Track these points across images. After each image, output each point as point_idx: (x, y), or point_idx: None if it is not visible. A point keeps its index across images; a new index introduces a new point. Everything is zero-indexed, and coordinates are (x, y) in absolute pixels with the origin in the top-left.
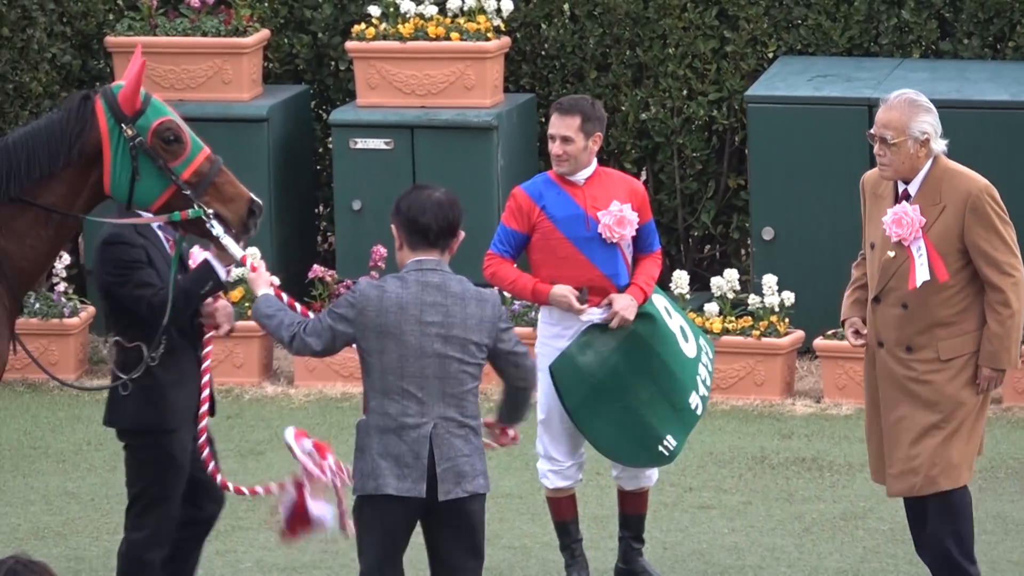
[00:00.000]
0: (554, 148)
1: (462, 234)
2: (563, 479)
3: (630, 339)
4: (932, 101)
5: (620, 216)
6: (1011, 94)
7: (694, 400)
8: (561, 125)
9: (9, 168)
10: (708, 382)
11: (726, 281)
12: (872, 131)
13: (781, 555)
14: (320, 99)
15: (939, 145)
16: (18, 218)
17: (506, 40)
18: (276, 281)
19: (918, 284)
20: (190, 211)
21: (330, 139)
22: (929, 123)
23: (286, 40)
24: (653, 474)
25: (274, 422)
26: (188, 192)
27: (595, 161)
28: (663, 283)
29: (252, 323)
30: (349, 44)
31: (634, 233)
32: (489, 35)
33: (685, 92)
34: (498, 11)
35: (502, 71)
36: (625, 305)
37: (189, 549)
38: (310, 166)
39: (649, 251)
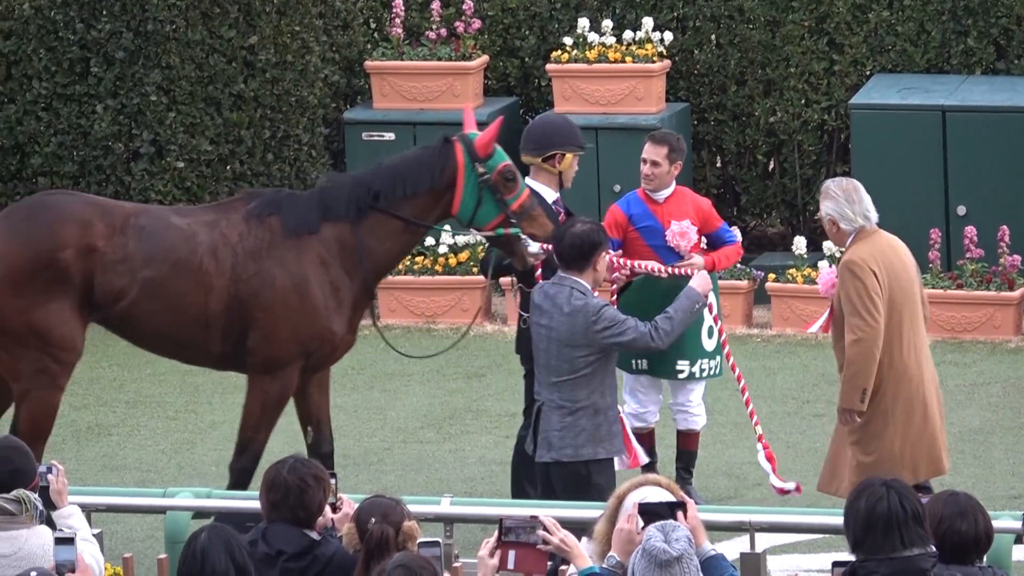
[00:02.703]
0: (644, 169)
1: (602, 256)
2: (639, 421)
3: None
4: (989, 108)
5: (681, 231)
6: None
7: (683, 366)
8: (652, 152)
9: (381, 187)
10: (706, 373)
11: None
12: None
13: None
14: (527, 108)
15: (854, 224)
16: (383, 226)
17: (667, 62)
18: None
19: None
20: (512, 229)
21: None
22: (831, 208)
23: (501, 63)
24: (700, 420)
25: (492, 352)
26: (514, 220)
27: (674, 183)
28: (787, 246)
29: (475, 277)
30: (549, 66)
31: (694, 242)
32: (655, 59)
33: (803, 101)
34: (661, 40)
35: (664, 86)
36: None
37: None
38: (518, 159)
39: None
